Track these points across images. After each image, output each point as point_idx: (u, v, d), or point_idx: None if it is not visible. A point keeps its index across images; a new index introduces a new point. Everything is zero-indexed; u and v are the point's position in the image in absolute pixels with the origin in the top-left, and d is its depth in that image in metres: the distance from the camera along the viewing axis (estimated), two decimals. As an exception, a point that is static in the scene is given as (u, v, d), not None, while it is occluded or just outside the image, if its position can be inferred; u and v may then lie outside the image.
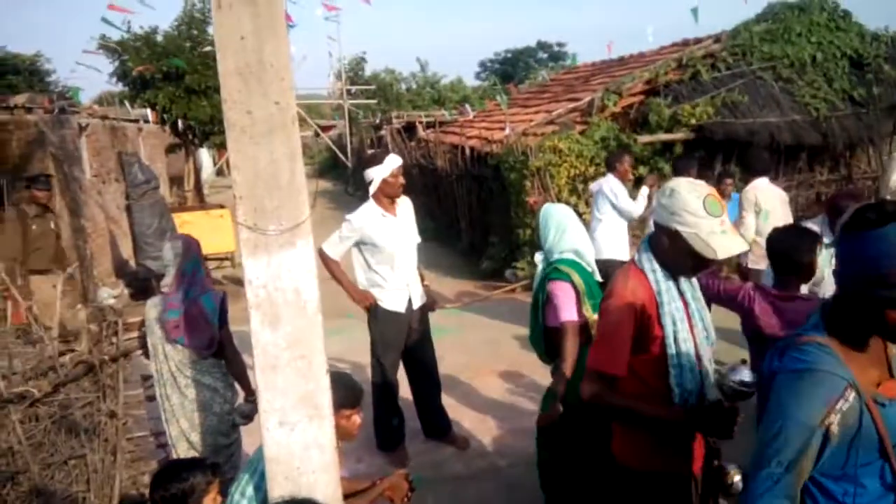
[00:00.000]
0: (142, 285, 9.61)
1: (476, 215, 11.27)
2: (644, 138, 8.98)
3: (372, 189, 4.32)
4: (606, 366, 2.28)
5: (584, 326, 3.16)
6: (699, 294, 2.43)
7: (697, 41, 10.25)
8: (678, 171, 5.98)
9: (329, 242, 4.36)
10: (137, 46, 12.14)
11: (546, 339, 3.34)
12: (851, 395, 1.64)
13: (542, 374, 4.64)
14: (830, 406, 1.62)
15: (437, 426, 4.74)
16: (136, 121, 14.73)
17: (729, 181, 7.03)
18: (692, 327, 2.33)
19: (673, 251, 2.23)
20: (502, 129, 10.23)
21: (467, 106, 18.93)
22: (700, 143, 8.88)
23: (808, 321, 1.80)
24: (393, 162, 4.30)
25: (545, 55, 50.60)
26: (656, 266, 2.30)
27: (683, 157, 7.89)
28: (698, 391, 2.32)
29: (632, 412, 2.30)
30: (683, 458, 2.39)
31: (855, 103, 9.57)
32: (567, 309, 3.15)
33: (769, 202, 5.43)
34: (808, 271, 3.10)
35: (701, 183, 2.26)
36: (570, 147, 8.61)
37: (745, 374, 2.19)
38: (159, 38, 12.45)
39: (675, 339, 2.27)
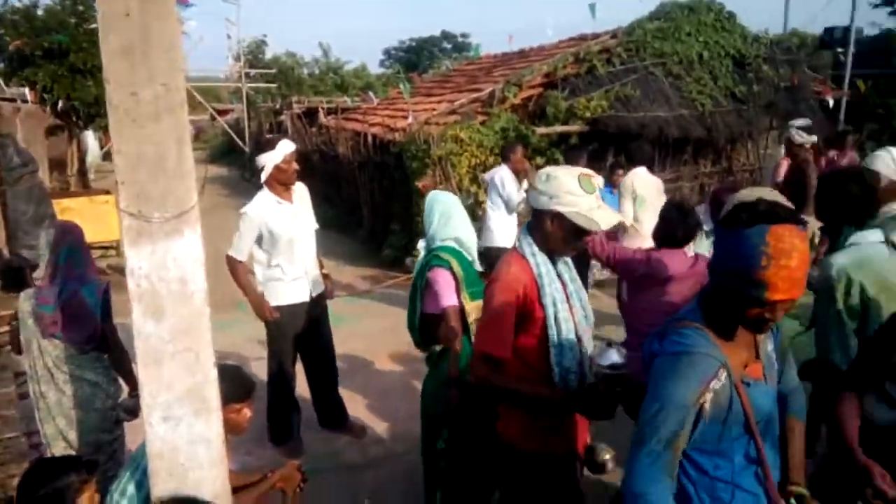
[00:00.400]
0: (15, 276, 8.96)
1: (378, 203, 11.21)
2: (542, 130, 9.18)
3: (264, 176, 4.19)
4: (492, 348, 2.35)
5: (461, 314, 3.20)
6: (576, 276, 2.56)
7: (595, 36, 10.57)
8: (569, 162, 6.19)
9: (234, 247, 4.20)
10: (15, 20, 11.29)
11: (422, 326, 3.37)
12: (724, 376, 1.74)
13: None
14: (704, 385, 1.72)
15: (334, 415, 4.69)
16: (13, 100, 13.70)
17: (620, 172, 7.29)
18: (571, 308, 2.44)
19: (557, 233, 2.34)
20: (405, 117, 10.22)
21: (371, 93, 18.74)
22: (594, 136, 9.18)
23: (687, 307, 1.91)
24: (285, 148, 4.19)
25: (449, 45, 50.85)
26: (536, 250, 2.40)
27: (574, 148, 8.16)
28: (578, 370, 2.43)
29: (516, 393, 2.38)
30: (563, 438, 2.49)
31: (736, 100, 10.16)
32: (447, 295, 3.18)
33: (645, 189, 5.73)
34: (683, 241, 3.41)
35: (571, 167, 2.42)
36: (471, 137, 8.70)
37: (613, 357, 2.32)
38: (40, 11, 11.63)
39: (556, 320, 2.36)
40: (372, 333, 6.64)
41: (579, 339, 2.44)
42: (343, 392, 4.78)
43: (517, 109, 9.65)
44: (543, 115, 9.54)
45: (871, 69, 13.58)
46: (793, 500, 1.91)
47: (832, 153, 9.59)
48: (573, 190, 2.27)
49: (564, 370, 2.38)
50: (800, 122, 7.38)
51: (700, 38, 10.34)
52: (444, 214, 3.35)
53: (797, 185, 5.81)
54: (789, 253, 1.62)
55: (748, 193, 1.75)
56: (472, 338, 3.09)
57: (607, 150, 9.23)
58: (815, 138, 6.38)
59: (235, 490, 2.29)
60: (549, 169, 2.39)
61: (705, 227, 5.19)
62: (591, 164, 6.81)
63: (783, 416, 2.05)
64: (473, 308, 3.16)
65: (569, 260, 2.56)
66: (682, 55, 10.09)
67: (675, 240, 3.41)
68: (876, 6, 17.68)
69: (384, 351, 6.17)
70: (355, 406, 4.96)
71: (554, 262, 2.44)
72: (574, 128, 9.24)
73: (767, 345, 1.92)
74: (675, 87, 9.86)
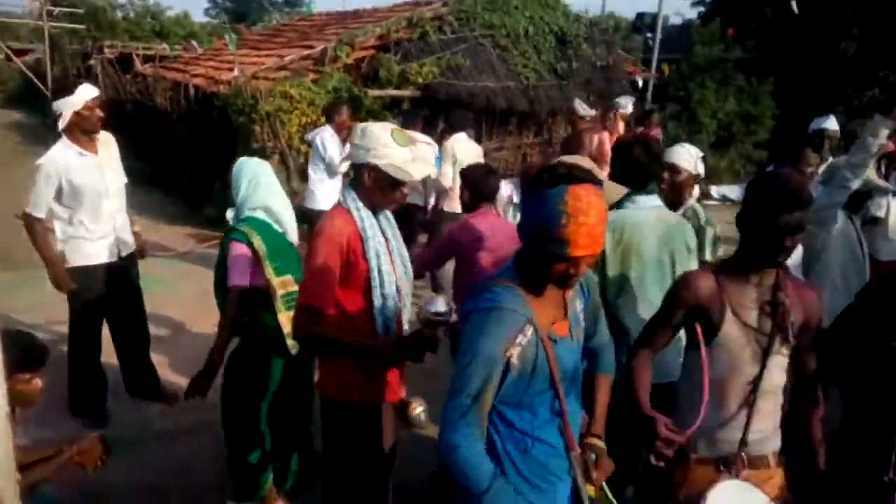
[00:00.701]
0: None
1: (200, 159, 10.60)
2: (374, 92, 9.12)
3: (62, 124, 3.82)
4: (314, 299, 2.39)
5: (259, 291, 3.08)
6: (398, 233, 2.66)
7: (427, 3, 10.60)
8: (405, 127, 6.21)
9: (31, 203, 3.80)
10: None
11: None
12: (530, 331, 1.83)
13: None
14: (511, 339, 1.80)
15: (144, 383, 4.45)
16: None
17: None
18: (393, 262, 2.54)
19: (374, 185, 2.43)
20: (231, 69, 9.68)
21: (194, 42, 17.53)
22: (426, 102, 9.27)
23: (503, 267, 1.99)
24: (86, 92, 3.84)
25: (280, -1, 48.74)
26: (360, 205, 2.47)
27: (409, 113, 8.20)
28: (397, 321, 2.55)
29: (341, 343, 2.43)
30: (382, 388, 2.59)
31: (557, 76, 10.70)
32: (236, 273, 3.06)
33: (464, 154, 5.93)
34: (489, 196, 3.61)
35: (385, 123, 2.54)
36: (301, 94, 8.45)
37: (439, 305, 2.46)
38: None
39: (379, 272, 2.45)
40: (187, 297, 6.30)
41: (399, 291, 2.55)
42: (155, 358, 4.55)
43: (350, 70, 9.49)
44: (376, 78, 9.47)
45: (674, 55, 14.89)
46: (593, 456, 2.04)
47: (639, 129, 10.44)
48: (387, 143, 2.38)
49: (386, 320, 2.48)
50: (624, 99, 8.13)
51: (526, 13, 10.71)
52: (253, 182, 3.19)
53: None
54: (587, 211, 1.73)
55: (562, 161, 1.88)
56: (279, 314, 3.06)
57: (438, 116, 9.39)
58: (594, 112, 7.16)
59: (24, 467, 2.12)
60: (365, 124, 2.46)
61: (515, 200, 5.48)
62: (426, 130, 6.90)
63: (594, 371, 2.21)
64: (280, 283, 3.06)
65: (390, 215, 2.64)
66: (509, 28, 10.41)
67: (481, 195, 3.56)
68: (681, -3, 19.27)
69: (201, 315, 5.82)
70: (166, 372, 4.72)
71: (377, 217, 2.52)
72: (406, 92, 9.27)
73: (577, 304, 2.04)
74: (503, 59, 10.19)
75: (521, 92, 10.07)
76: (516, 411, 1.92)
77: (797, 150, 4.48)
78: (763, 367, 2.17)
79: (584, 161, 3.29)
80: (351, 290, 2.46)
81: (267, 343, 3.12)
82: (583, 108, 7.01)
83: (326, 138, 6.19)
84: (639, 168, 2.94)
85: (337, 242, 2.39)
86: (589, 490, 1.98)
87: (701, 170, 3.53)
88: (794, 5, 13.73)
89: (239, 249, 3.06)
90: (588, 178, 1.78)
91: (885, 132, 3.36)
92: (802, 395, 2.34)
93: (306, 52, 9.60)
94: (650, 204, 2.93)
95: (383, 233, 2.54)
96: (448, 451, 1.83)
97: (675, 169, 3.42)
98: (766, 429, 2.25)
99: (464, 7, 10.38)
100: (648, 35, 15.03)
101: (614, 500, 1.95)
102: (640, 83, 13.04)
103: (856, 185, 3.50)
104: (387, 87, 9.31)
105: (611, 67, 11.49)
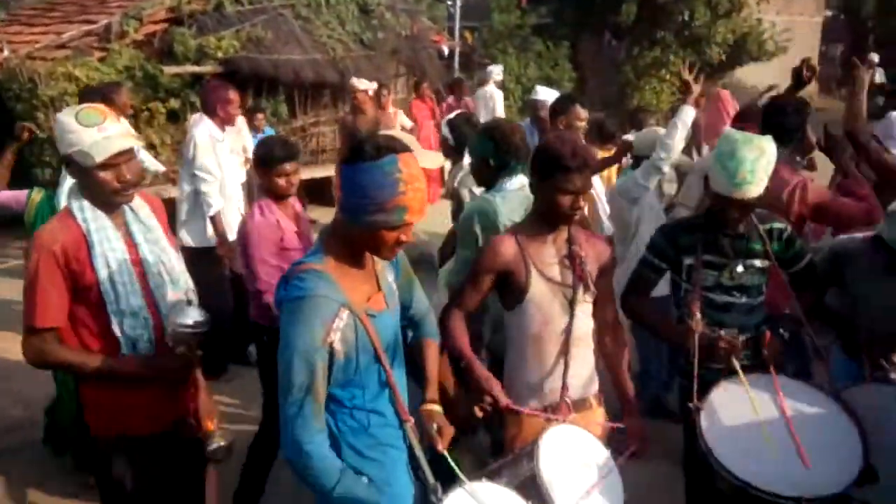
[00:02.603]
0: None
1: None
2: (171, 69, 8.53)
3: None
4: (38, 320, 2.13)
5: None
6: (158, 232, 2.37)
7: (220, -29, 10.03)
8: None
9: None
10: None
11: None
12: (345, 314, 1.83)
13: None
14: (328, 327, 1.79)
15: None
16: None
17: (260, 116, 7.17)
18: (143, 272, 2.26)
19: (78, 177, 2.19)
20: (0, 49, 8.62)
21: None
22: (229, 77, 8.82)
23: (310, 250, 1.96)
24: None
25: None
26: (85, 205, 2.20)
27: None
28: (153, 337, 2.27)
29: (77, 367, 2.20)
30: (148, 415, 2.30)
31: (365, 46, 10.61)
32: None
33: None
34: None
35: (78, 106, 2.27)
36: (88, 76, 7.72)
37: (191, 315, 2.20)
38: None
39: (113, 284, 2.19)
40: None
41: (154, 305, 2.27)
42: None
43: (141, 46, 8.78)
44: (172, 54, 8.85)
45: (476, 22, 15.37)
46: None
47: (450, 99, 10.71)
48: (72, 128, 2.12)
49: (131, 340, 2.23)
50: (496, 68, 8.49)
51: (325, -20, 10.48)
52: None
53: None
54: (417, 177, 1.78)
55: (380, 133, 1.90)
56: None
57: (245, 92, 8.99)
58: (374, 85, 7.94)
59: None
60: (59, 114, 2.21)
61: None
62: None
63: (419, 338, 2.25)
64: None
65: (144, 212, 2.34)
66: (308, -2, 10.14)
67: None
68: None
69: (7, 327, 5.27)
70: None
71: (115, 216, 2.25)
72: (207, 68, 8.73)
73: (388, 276, 2.06)
74: (306, 30, 9.90)
75: (329, 64, 9.87)
76: (346, 390, 1.92)
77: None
78: (572, 316, 2.36)
79: (396, 133, 3.33)
80: (82, 304, 2.20)
81: None
82: (360, 83, 7.55)
83: None
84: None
85: (49, 251, 2.11)
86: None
87: None
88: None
89: None
90: (408, 147, 1.84)
91: (690, 116, 3.69)
92: (605, 334, 2.55)
93: (87, 27, 8.74)
94: (516, 185, 2.96)
95: (131, 235, 2.27)
96: (294, 449, 1.80)
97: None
98: (583, 373, 2.45)
99: (260, -25, 9.94)
100: (449, 3, 15.37)
101: (457, 467, 2.00)
102: (446, 52, 13.33)
103: (666, 167, 3.82)
104: (184, 63, 8.72)
105: (416, 37, 11.60)
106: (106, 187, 2.17)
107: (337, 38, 10.12)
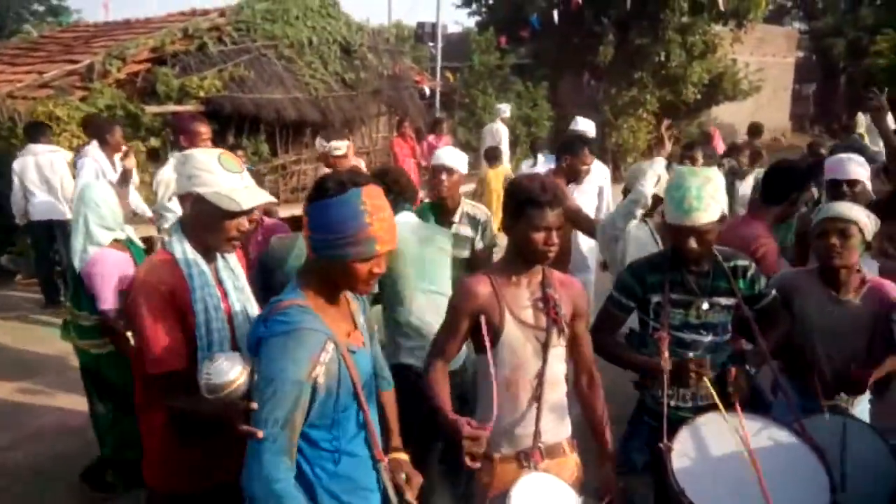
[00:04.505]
0: None
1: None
2: (153, 109, 8.58)
3: None
4: (166, 365, 2.06)
5: None
6: (243, 284, 2.34)
7: (204, 12, 10.15)
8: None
9: None
10: None
11: None
12: (331, 347, 1.83)
13: None
14: (314, 360, 1.79)
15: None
16: None
17: (240, 153, 7.17)
18: (231, 318, 2.22)
19: (200, 219, 2.13)
20: (-20, 89, 8.62)
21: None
22: (211, 117, 8.87)
23: (286, 289, 1.96)
24: None
25: (42, 7, 43.94)
26: (188, 248, 2.16)
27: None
28: None
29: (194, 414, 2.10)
30: (207, 470, 2.23)
31: (346, 86, 10.74)
32: None
33: None
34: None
35: (214, 149, 2.23)
36: (69, 115, 7.73)
37: (223, 373, 1.94)
38: None
39: (208, 329, 2.14)
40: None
41: (238, 349, 2.19)
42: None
43: (123, 85, 8.81)
44: (154, 93, 8.90)
45: (457, 63, 15.62)
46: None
47: (431, 137, 10.84)
48: (212, 168, 2.08)
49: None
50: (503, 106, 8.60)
51: (308, 22, 10.58)
52: None
53: None
54: (383, 207, 1.83)
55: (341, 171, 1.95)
56: None
57: (226, 131, 9.04)
58: (346, 142, 6.80)
59: None
60: (188, 151, 2.20)
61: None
62: (215, 146, 6.59)
63: (378, 388, 2.21)
64: None
65: (234, 260, 2.29)
66: (292, 38, 10.23)
67: None
68: (458, 7, 20.15)
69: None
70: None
71: (210, 262, 2.21)
72: (188, 107, 8.79)
73: (360, 316, 2.07)
74: (289, 70, 10.02)
75: (311, 103, 9.98)
76: (323, 431, 1.90)
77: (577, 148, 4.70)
78: (545, 360, 2.34)
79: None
80: None
81: None
82: (337, 147, 6.19)
83: (88, 165, 5.59)
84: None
85: (160, 293, 2.07)
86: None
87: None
88: (555, 15, 15.02)
89: None
90: (372, 180, 1.88)
91: (661, 165, 3.82)
92: (580, 378, 2.56)
93: (70, 66, 8.80)
94: (402, 220, 3.13)
95: (221, 283, 2.22)
96: (262, 484, 1.76)
97: (450, 170, 3.71)
98: (556, 418, 2.43)
99: (242, 18, 10.04)
100: (430, 44, 15.62)
101: None
102: (428, 92, 13.50)
103: (639, 212, 3.87)
104: (166, 102, 8.78)
105: (398, 77, 11.76)
106: (226, 235, 2.14)
107: (319, 77, 10.24)
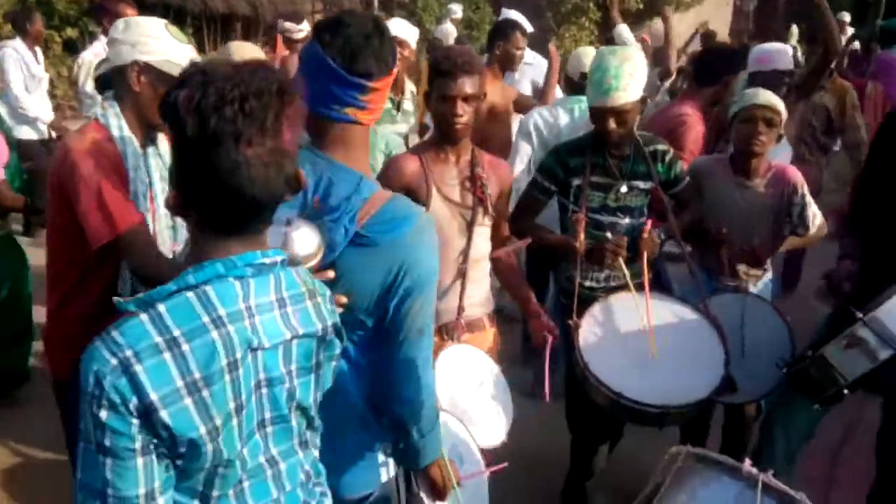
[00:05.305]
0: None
1: None
2: (67, -5, 8.03)
3: None
4: (136, 217, 1.91)
5: None
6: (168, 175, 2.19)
7: None
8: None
9: None
10: None
11: None
12: None
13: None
14: None
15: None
16: None
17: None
18: (154, 213, 2.07)
19: (147, 91, 1.95)
20: None
21: None
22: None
23: None
24: None
25: None
26: (124, 125, 1.98)
27: None
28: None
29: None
30: None
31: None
32: None
33: None
34: None
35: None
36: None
37: (302, 242, 1.49)
38: None
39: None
40: None
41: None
42: None
43: (35, -30, 8.21)
44: (69, -21, 8.31)
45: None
46: None
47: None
48: (158, 35, 1.93)
49: (134, 289, 2.04)
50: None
51: None
52: None
53: None
54: None
55: None
56: None
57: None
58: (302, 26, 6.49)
59: None
60: (127, 20, 2.01)
61: None
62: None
63: None
64: None
65: (165, 152, 2.11)
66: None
67: None
68: None
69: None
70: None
71: (144, 147, 2.04)
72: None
73: None
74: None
75: (241, -4, 9.52)
76: None
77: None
78: (469, 238, 2.38)
79: None
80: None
81: None
82: (294, 27, 5.71)
83: (24, 52, 5.22)
84: None
85: (108, 159, 1.89)
86: None
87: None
88: None
89: None
90: None
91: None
92: (498, 255, 2.55)
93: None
94: None
95: (148, 169, 2.04)
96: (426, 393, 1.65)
97: (402, 43, 3.62)
98: (478, 294, 2.49)
99: None
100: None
101: None
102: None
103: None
104: (83, -11, 8.22)
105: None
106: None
107: (250, -31, 9.72)
